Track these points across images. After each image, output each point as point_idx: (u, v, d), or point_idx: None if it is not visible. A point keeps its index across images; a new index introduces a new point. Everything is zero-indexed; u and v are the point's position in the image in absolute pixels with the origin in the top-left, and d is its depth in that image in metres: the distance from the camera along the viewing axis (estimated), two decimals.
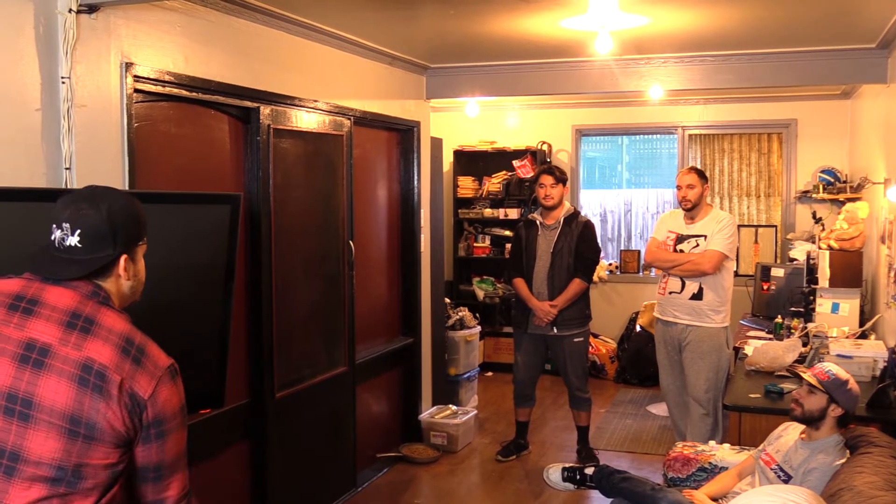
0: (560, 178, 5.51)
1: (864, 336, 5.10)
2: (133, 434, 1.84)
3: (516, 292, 5.62)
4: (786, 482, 3.21)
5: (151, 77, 3.43)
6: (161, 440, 1.88)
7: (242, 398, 4.19)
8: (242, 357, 4.18)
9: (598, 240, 5.72)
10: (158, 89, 3.51)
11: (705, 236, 5.01)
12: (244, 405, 4.20)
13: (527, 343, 5.64)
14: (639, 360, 7.69)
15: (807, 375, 3.45)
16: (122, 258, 1.93)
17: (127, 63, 3.30)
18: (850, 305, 5.37)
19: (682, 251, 5.07)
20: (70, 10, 3.02)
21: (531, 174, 7.85)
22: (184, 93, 3.66)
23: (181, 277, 2.77)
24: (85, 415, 1.78)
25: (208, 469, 3.99)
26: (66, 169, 3.03)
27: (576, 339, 5.52)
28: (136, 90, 3.37)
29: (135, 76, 3.34)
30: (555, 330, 5.47)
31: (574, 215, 5.55)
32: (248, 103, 4.10)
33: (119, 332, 1.86)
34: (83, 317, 1.85)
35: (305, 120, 4.59)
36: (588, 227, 5.54)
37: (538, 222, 5.59)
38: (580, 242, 5.45)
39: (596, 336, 8.20)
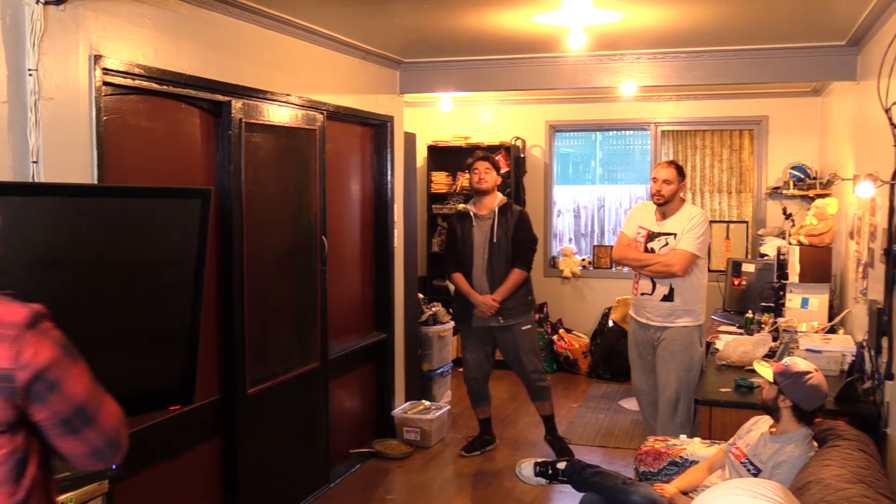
0: (495, 164, 5.55)
1: (832, 331, 5.17)
2: (13, 412, 1.65)
3: (456, 287, 5.60)
4: (755, 475, 3.24)
5: (121, 70, 3.40)
6: (56, 391, 1.67)
7: (213, 394, 4.17)
8: (214, 353, 4.15)
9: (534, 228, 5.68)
10: (128, 82, 3.48)
11: (675, 235, 4.93)
12: (215, 401, 4.18)
13: (473, 339, 5.62)
14: (611, 355, 7.73)
15: (757, 366, 3.51)
16: None
17: (96, 55, 3.26)
18: (819, 300, 5.43)
19: (652, 249, 5.01)
20: (37, 2, 2.98)
21: (506, 170, 7.87)
22: (154, 86, 3.62)
23: (151, 272, 2.75)
24: None
25: (179, 466, 3.97)
26: (34, 162, 2.99)
27: (523, 328, 5.50)
28: (106, 83, 3.34)
29: (104, 69, 3.30)
30: (500, 320, 5.44)
31: (508, 205, 5.55)
32: (219, 97, 4.07)
33: None
34: None
35: (278, 114, 4.56)
36: (523, 216, 5.54)
37: (472, 213, 5.57)
38: (517, 232, 5.45)
39: (569, 331, 8.25)
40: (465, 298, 5.51)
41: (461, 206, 5.74)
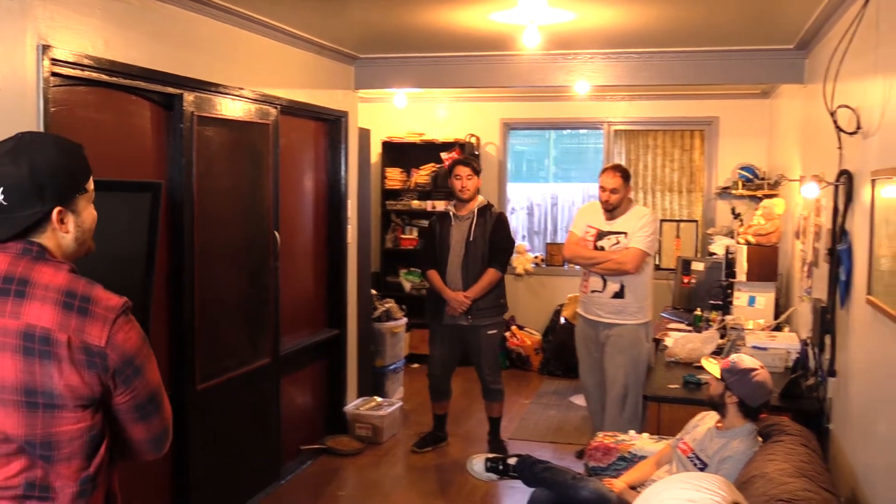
0: (476, 169, 5.56)
1: (778, 328, 5.28)
2: (99, 389, 1.77)
3: (430, 284, 5.62)
4: (702, 470, 3.30)
5: (70, 61, 3.34)
6: (139, 376, 1.83)
7: None
8: (163, 349, 4.11)
9: (513, 232, 5.74)
10: (77, 73, 3.42)
11: (626, 233, 5.02)
12: None
13: (442, 336, 5.64)
14: (563, 351, 7.79)
15: (705, 362, 3.57)
16: (55, 212, 1.81)
17: (44, 45, 3.20)
18: (765, 299, 5.54)
19: (602, 248, 5.09)
20: None
21: None
22: (104, 77, 3.57)
23: (99, 268, 2.72)
24: (39, 384, 1.71)
25: (127, 464, 3.91)
26: None
27: (489, 332, 5.53)
28: (54, 74, 3.28)
29: (52, 59, 3.25)
30: (469, 319, 5.48)
31: (487, 207, 5.58)
32: (170, 89, 4.03)
33: (57, 286, 1.76)
34: (16, 279, 1.75)
35: (231, 108, 4.52)
36: (502, 218, 5.58)
37: (451, 214, 5.60)
38: (494, 233, 5.47)
39: (521, 328, 8.30)
40: (438, 295, 5.53)
41: (446, 203, 5.74)
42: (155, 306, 3.06)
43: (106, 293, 1.82)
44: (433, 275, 5.56)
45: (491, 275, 5.45)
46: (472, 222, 5.49)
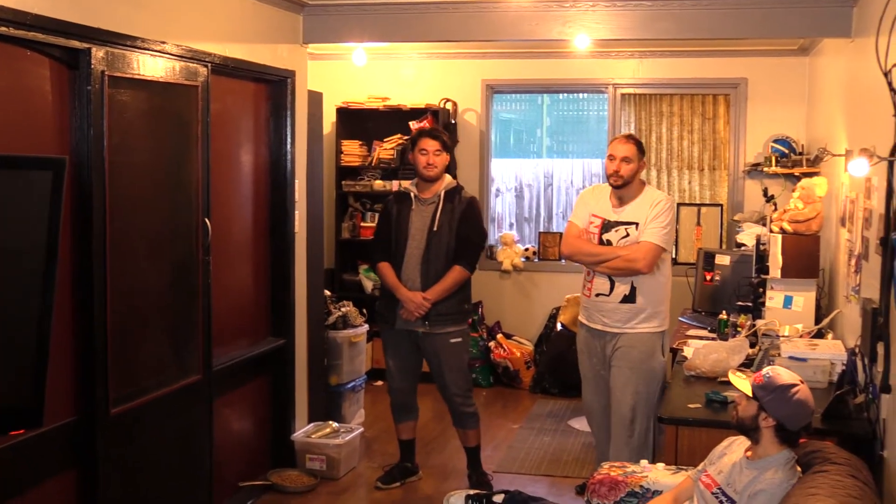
0: (446, 143, 5.55)
1: (820, 335, 5.31)
2: None
3: (381, 280, 5.62)
4: None
5: None
6: None
7: (68, 415, 4.08)
8: (68, 363, 4.07)
9: (485, 222, 5.75)
10: None
11: (637, 224, 5.01)
12: (70, 424, 4.10)
13: (396, 343, 5.66)
14: (559, 365, 7.80)
15: (733, 377, 3.58)
16: None
17: None
18: (804, 299, 5.58)
19: (608, 242, 5.07)
20: None
21: None
22: None
23: None
24: None
25: None
26: None
27: (452, 340, 5.52)
28: None
29: None
30: (426, 325, 5.47)
31: (456, 190, 5.59)
32: (75, 43, 3.98)
33: None
34: None
35: (150, 66, 4.49)
36: (473, 204, 5.58)
37: (412, 195, 5.60)
38: (463, 222, 5.47)
39: (508, 337, 8.31)
40: (391, 294, 5.52)
41: (406, 183, 5.74)
42: (56, 311, 3.02)
43: None
44: (385, 268, 5.55)
45: (457, 273, 5.45)
46: (436, 208, 5.49)
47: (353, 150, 8.46)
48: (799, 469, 3.35)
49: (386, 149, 8.35)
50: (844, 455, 3.39)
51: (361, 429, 6.43)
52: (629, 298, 5.02)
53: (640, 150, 5.09)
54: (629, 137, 5.16)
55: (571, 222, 5.29)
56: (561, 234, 8.40)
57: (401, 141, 8.27)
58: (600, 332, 5.13)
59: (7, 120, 3.74)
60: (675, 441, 4.22)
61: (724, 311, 5.89)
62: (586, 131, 9.04)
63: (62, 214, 2.84)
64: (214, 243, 5.05)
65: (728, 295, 6.30)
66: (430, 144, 5.50)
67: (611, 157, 5.07)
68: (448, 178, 5.62)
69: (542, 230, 8.83)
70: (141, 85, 4.45)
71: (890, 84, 3.68)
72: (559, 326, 8.07)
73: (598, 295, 5.10)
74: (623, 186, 5.06)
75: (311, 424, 6.25)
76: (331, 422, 6.34)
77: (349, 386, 6.86)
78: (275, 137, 5.95)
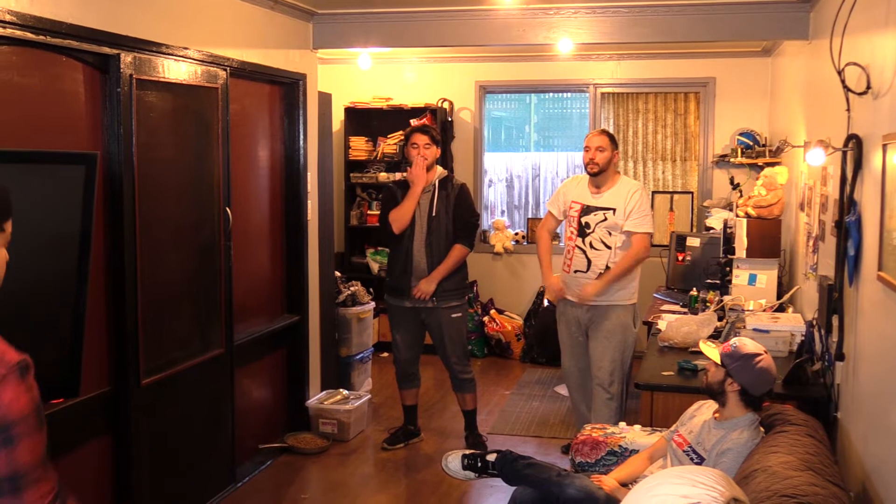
0: (435, 138, 5.56)
1: (781, 309, 5.32)
2: None
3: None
4: (699, 464, 3.33)
5: None
6: (9, 447, 1.75)
7: (103, 386, 4.08)
8: (102, 340, 4.07)
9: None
10: None
11: (614, 209, 5.08)
12: (104, 394, 4.09)
13: (403, 318, 5.66)
14: (546, 337, 7.81)
15: (703, 346, 3.59)
16: None
17: None
18: (767, 277, 5.58)
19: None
20: None
21: None
22: (29, 35, 3.50)
23: (27, 250, 2.66)
24: None
25: (61, 469, 3.85)
26: None
27: (454, 315, 5.57)
28: None
29: None
30: (434, 301, 5.50)
31: (448, 178, 5.61)
32: (106, 49, 3.96)
33: None
34: None
35: (174, 70, 4.46)
36: (464, 189, 5.62)
37: (411, 185, 5.57)
38: (458, 206, 5.51)
39: (500, 312, 8.32)
40: (400, 272, 5.53)
41: (403, 175, 5.72)
42: (91, 295, 3.01)
43: (4, 345, 1.78)
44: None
45: (459, 251, 5.49)
46: (433, 195, 5.50)
47: (359, 146, 8.43)
48: (762, 429, 3.36)
49: (389, 144, 8.33)
50: (803, 417, 3.40)
51: (369, 396, 6.44)
52: (604, 275, 5.07)
53: (613, 141, 5.19)
54: (602, 131, 5.30)
55: (548, 214, 5.47)
56: None
57: (403, 137, 8.24)
58: (577, 304, 5.17)
59: (45, 119, 3.73)
60: (650, 405, 4.23)
61: (694, 288, 5.91)
62: (570, 127, 9.02)
63: (95, 205, 2.82)
64: (235, 230, 5.04)
65: (698, 273, 6.31)
66: (420, 139, 5.52)
67: (587, 148, 5.18)
68: (440, 168, 5.64)
69: (530, 216, 8.82)
70: (166, 87, 4.42)
71: (843, 82, 3.67)
72: (546, 303, 8.07)
73: (576, 271, 5.19)
74: (599, 174, 5.15)
75: (324, 392, 6.25)
76: (341, 389, 6.34)
77: (358, 357, 6.86)
78: (288, 134, 5.93)
